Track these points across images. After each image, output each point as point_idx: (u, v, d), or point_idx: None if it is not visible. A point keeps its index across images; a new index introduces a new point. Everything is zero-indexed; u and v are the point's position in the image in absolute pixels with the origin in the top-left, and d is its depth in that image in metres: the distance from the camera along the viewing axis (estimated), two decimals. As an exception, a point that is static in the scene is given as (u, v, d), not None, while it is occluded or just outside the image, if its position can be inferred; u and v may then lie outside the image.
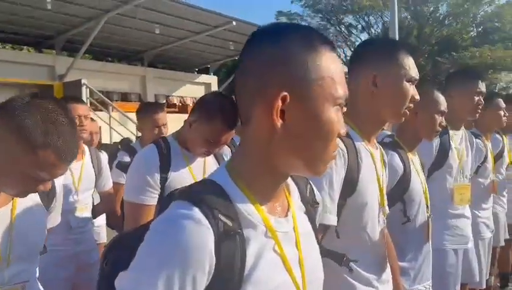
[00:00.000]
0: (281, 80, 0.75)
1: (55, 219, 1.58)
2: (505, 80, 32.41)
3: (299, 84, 0.75)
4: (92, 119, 3.10)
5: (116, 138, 9.46)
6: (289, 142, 0.76)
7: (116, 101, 11.29)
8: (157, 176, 1.77)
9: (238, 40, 12.47)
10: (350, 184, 1.35)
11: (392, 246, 1.66)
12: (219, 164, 2.04)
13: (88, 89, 9.67)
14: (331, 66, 0.78)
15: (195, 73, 15.00)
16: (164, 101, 13.06)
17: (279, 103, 0.74)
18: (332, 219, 1.31)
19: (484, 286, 2.88)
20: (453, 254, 2.33)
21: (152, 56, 13.12)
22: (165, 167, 1.80)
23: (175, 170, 1.82)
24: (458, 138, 2.45)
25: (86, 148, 2.60)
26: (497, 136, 3.42)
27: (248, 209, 0.77)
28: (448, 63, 26.90)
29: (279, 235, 0.80)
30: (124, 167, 2.63)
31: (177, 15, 10.16)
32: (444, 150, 2.31)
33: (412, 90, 1.44)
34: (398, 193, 1.82)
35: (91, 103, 9.83)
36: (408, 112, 1.45)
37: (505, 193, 3.50)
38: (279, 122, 0.74)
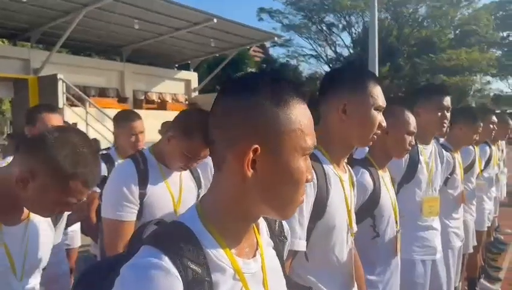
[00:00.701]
0: (253, 133, 0.77)
1: (58, 237, 1.69)
2: (480, 82, 33.27)
3: (270, 136, 0.77)
4: (65, 122, 3.05)
5: (93, 135, 9.33)
6: (260, 190, 0.79)
7: (93, 96, 11.13)
8: (136, 191, 1.74)
9: (219, 37, 12.45)
10: (319, 208, 1.38)
11: (360, 264, 1.70)
12: (194, 178, 2.03)
13: (64, 84, 9.48)
14: (300, 118, 0.80)
15: (175, 69, 14.88)
16: (143, 97, 12.95)
17: (251, 154, 0.76)
18: (301, 245, 1.34)
19: (453, 295, 2.95)
20: (421, 265, 2.37)
21: (131, 51, 12.96)
22: (143, 182, 1.77)
23: (153, 184, 1.80)
24: (428, 152, 2.51)
25: None
26: (469, 146, 3.50)
27: (217, 253, 0.79)
28: (426, 64, 27.43)
29: (247, 277, 0.82)
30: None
31: (157, 11, 10.06)
32: (414, 165, 2.37)
33: (379, 117, 1.49)
34: (368, 208, 1.86)
35: (67, 98, 9.67)
36: (376, 137, 1.49)
37: (474, 202, 3.60)
38: (250, 172, 0.77)
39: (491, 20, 28.90)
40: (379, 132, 1.50)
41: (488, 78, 33.67)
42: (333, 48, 29.15)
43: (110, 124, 9.39)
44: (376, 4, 11.61)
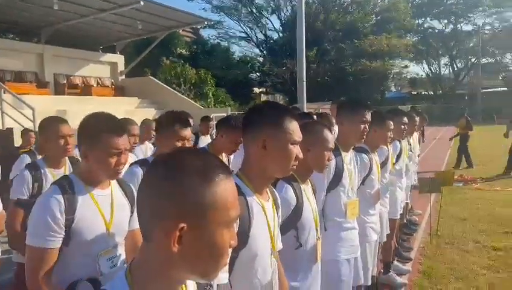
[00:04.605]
0: (179, 211, 0.81)
1: None
2: (399, 67, 35.48)
3: (196, 214, 0.82)
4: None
5: (9, 124, 8.74)
6: (185, 261, 0.84)
7: (9, 81, 10.34)
8: (62, 219, 1.73)
9: (146, 20, 12.07)
10: (242, 238, 1.49)
11: (285, 279, 1.86)
12: (126, 195, 2.02)
13: (-25, 69, 8.73)
14: (225, 194, 0.85)
15: (100, 51, 14.21)
16: (65, 82, 12.27)
17: (177, 232, 0.80)
18: (223, 278, 1.46)
19: (369, 283, 3.26)
20: (346, 264, 2.63)
21: (51, 32, 12.15)
22: (70, 209, 1.75)
23: (81, 209, 1.79)
24: (348, 158, 2.74)
25: None
26: (383, 146, 3.83)
27: None
28: (350, 49, 28.66)
29: None
30: (25, 205, 2.50)
31: (79, -8, 9.53)
32: (339, 172, 2.60)
33: (296, 150, 1.63)
34: (291, 221, 2.02)
35: (-21, 84, 8.93)
36: (295, 167, 1.64)
37: (387, 195, 3.97)
38: (176, 248, 0.81)
39: (408, 8, 30.79)
40: (297, 162, 1.63)
41: (406, 62, 36.05)
42: (263, 31, 29.40)
43: (28, 112, 8.81)
44: (304, -11, 11.86)
